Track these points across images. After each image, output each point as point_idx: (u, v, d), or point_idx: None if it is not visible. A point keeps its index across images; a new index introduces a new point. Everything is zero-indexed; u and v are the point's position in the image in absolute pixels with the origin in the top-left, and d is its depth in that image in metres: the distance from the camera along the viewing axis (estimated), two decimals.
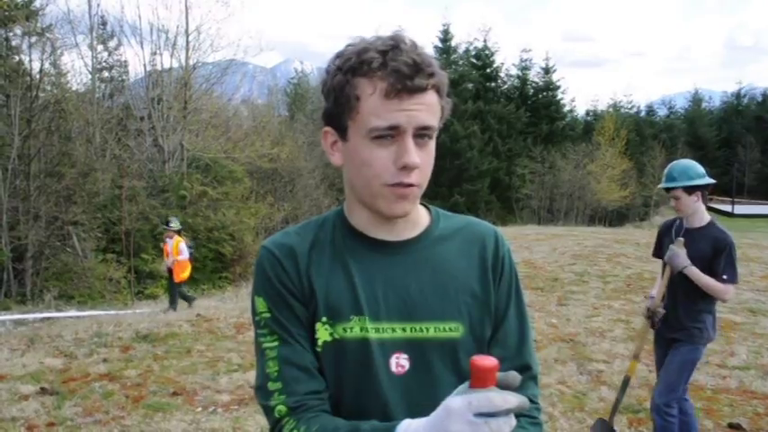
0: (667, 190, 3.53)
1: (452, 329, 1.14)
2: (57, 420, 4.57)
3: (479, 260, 1.20)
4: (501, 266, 1.21)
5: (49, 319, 10.61)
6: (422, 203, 1.22)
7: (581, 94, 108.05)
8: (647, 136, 46.98)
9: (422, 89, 1.04)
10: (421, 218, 1.21)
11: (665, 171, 3.59)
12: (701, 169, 3.49)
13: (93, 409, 4.79)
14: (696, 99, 64.28)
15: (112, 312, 11.09)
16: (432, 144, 1.10)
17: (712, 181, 3.51)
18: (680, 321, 3.50)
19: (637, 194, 38.13)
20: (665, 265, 3.59)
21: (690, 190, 3.43)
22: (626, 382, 3.80)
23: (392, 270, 1.14)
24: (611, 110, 47.45)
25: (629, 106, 51.44)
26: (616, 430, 3.87)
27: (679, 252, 3.45)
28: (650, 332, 3.76)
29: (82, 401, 4.95)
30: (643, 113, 55.44)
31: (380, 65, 1.03)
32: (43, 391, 5.18)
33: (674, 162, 3.64)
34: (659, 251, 3.76)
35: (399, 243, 1.17)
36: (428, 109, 1.06)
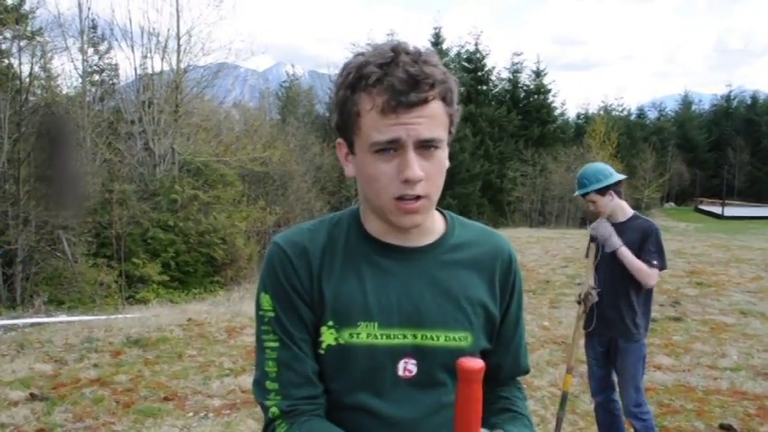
0: (583, 196, 3.59)
1: (461, 339, 1.15)
2: (47, 427, 4.53)
3: (490, 274, 1.21)
4: (512, 283, 1.24)
5: (38, 324, 10.52)
6: (437, 209, 1.21)
7: (572, 97, 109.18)
8: (638, 138, 47.16)
9: (420, 102, 1.02)
10: (436, 224, 1.21)
11: (577, 179, 3.66)
12: (608, 169, 3.58)
13: (84, 415, 4.75)
14: (686, 102, 64.60)
15: (103, 317, 10.98)
16: (439, 153, 1.08)
17: (622, 177, 3.58)
18: (617, 320, 3.52)
19: (628, 197, 38.08)
20: (592, 246, 3.63)
21: (602, 191, 3.50)
22: (564, 399, 3.77)
23: (406, 276, 1.14)
24: (601, 113, 47.58)
25: (620, 109, 51.67)
26: None
27: (604, 224, 3.49)
28: (582, 331, 3.76)
29: (72, 407, 4.92)
30: (634, 116, 55.67)
31: (377, 80, 1.02)
32: (33, 396, 5.14)
33: (583, 168, 3.70)
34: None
35: (414, 249, 1.17)
36: (430, 121, 1.04)
